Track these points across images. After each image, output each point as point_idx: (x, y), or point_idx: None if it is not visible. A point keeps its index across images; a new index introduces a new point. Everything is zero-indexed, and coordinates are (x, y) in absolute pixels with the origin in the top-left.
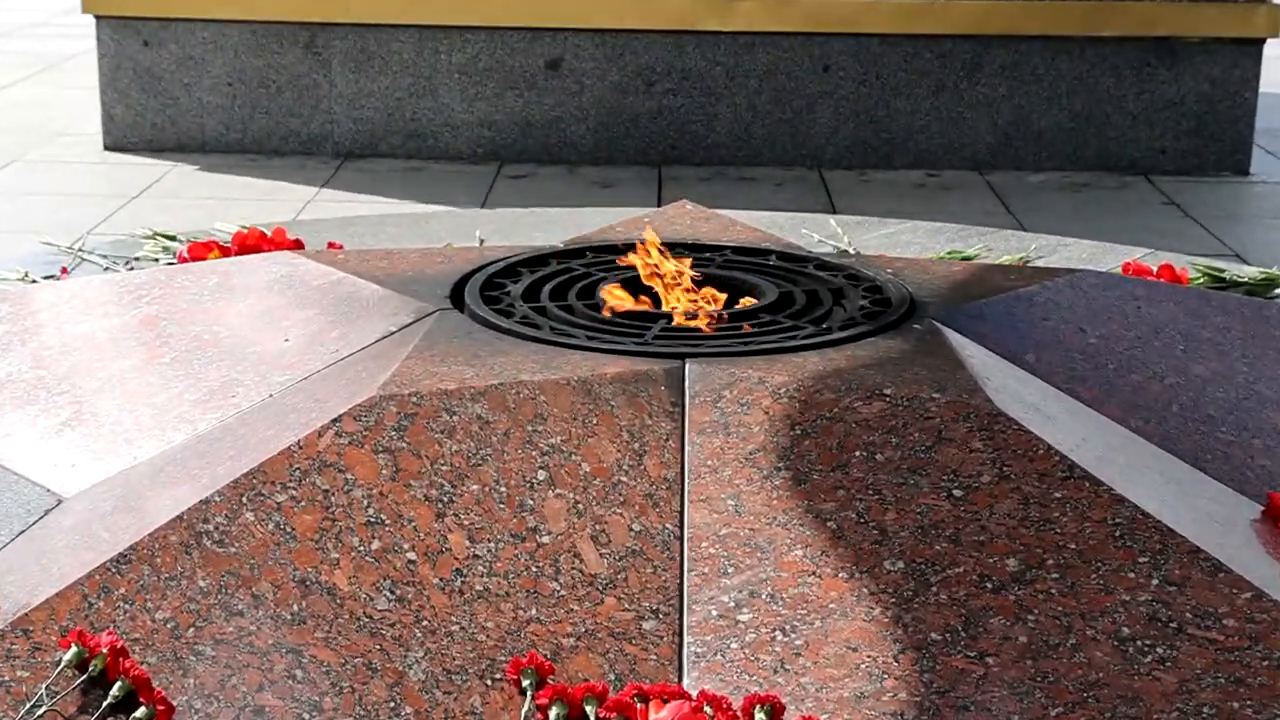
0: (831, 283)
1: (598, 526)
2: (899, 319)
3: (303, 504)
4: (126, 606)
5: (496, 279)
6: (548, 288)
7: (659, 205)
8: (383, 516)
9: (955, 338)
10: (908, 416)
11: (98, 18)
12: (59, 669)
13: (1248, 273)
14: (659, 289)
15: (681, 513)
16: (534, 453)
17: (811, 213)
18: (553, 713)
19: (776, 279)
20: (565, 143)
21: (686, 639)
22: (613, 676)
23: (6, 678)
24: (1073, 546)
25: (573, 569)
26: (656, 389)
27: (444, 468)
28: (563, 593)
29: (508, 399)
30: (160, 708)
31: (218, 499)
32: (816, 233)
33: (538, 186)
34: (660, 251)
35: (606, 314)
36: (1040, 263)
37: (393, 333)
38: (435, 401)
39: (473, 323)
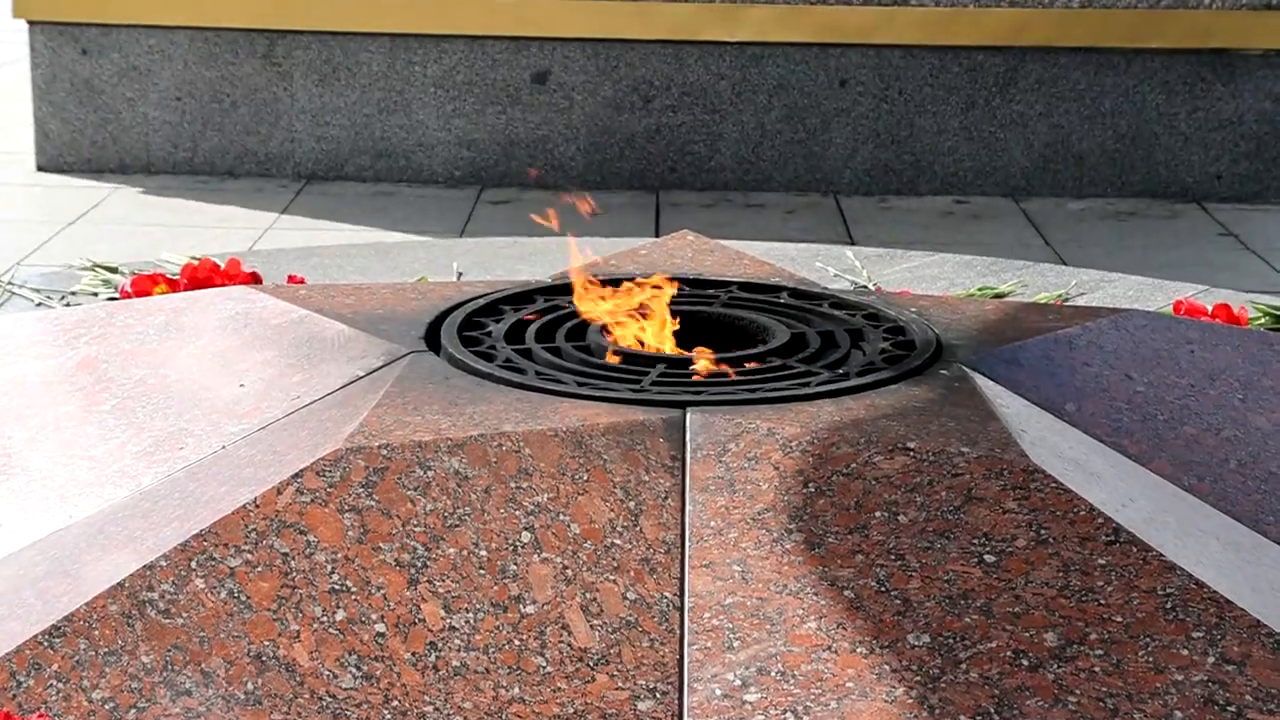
0: (849, 323)
1: (588, 595)
2: (924, 364)
3: (259, 569)
4: (60, 685)
5: (476, 318)
6: (533, 328)
7: (657, 235)
8: (348, 583)
9: (987, 385)
10: (934, 473)
11: (30, 23)
12: None
13: None
14: (643, 331)
15: (682, 580)
16: (518, 512)
17: (827, 244)
18: None
19: (788, 319)
20: (553, 165)
21: None
22: None
23: None
24: (1118, 619)
25: (560, 642)
26: (654, 441)
27: (417, 529)
28: (549, 669)
29: (489, 452)
30: None
31: (163, 564)
32: (832, 266)
33: (522, 213)
34: (650, 288)
35: (611, 354)
36: (1081, 301)
37: (360, 378)
38: (408, 455)
39: (450, 367)
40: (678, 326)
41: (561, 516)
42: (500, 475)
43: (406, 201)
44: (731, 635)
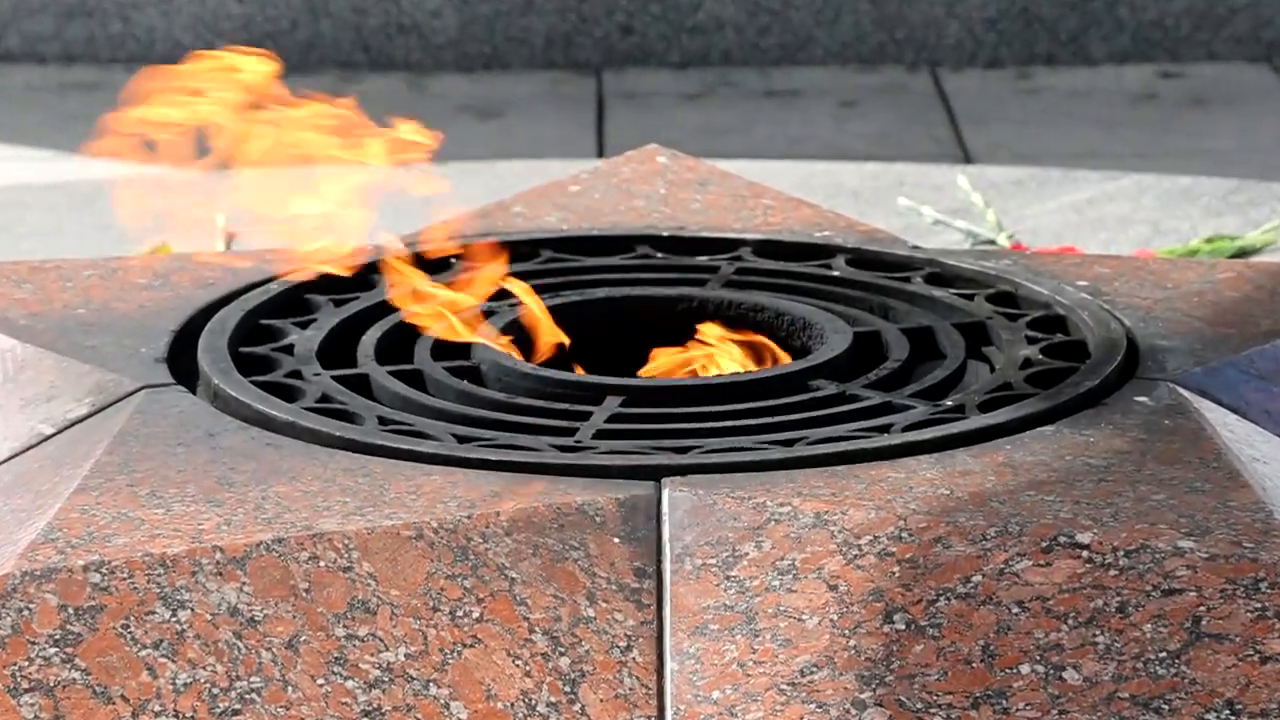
0: (963, 311)
1: None
2: (1104, 384)
3: None
4: None
5: (265, 319)
6: (372, 335)
7: (600, 153)
8: None
9: (1222, 422)
10: (1129, 590)
11: None
12: None
13: None
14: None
15: None
16: (351, 684)
17: (919, 161)
18: None
19: (847, 307)
20: (403, 27)
21: None
22: None
23: None
24: None
25: None
26: (603, 542)
27: (162, 715)
28: None
29: (294, 570)
30: None
31: None
32: (930, 204)
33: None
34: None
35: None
36: None
37: (47, 437)
38: (141, 580)
39: (217, 413)
40: (641, 326)
41: (431, 689)
42: (316, 615)
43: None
44: None
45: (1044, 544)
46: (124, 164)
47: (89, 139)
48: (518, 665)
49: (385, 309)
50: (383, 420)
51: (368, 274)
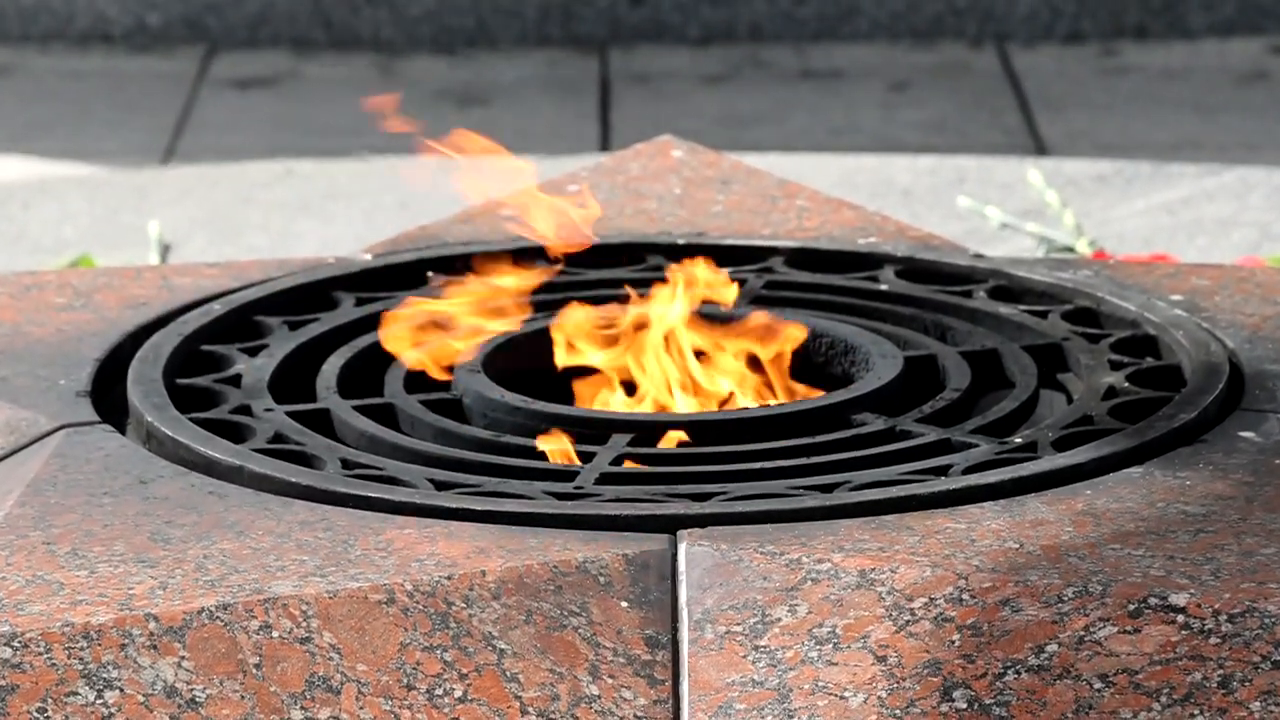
0: (1034, 332)
1: None
2: (1202, 416)
3: None
4: None
5: (207, 345)
6: (335, 363)
7: (605, 146)
8: None
9: None
10: (1233, 661)
11: None
12: None
13: None
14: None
15: None
16: None
17: (982, 153)
18: None
19: (896, 325)
20: (371, 0)
21: None
22: None
23: None
24: None
25: None
26: (608, 606)
27: None
28: None
29: (242, 643)
30: None
31: None
32: (995, 202)
33: (299, 103)
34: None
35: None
36: None
37: None
38: (60, 655)
39: (149, 455)
40: (659, 351)
41: None
42: (268, 695)
43: (41, 85)
44: None
45: (1131, 607)
46: (40, 162)
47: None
48: None
49: (345, 331)
50: (347, 463)
51: (328, 290)
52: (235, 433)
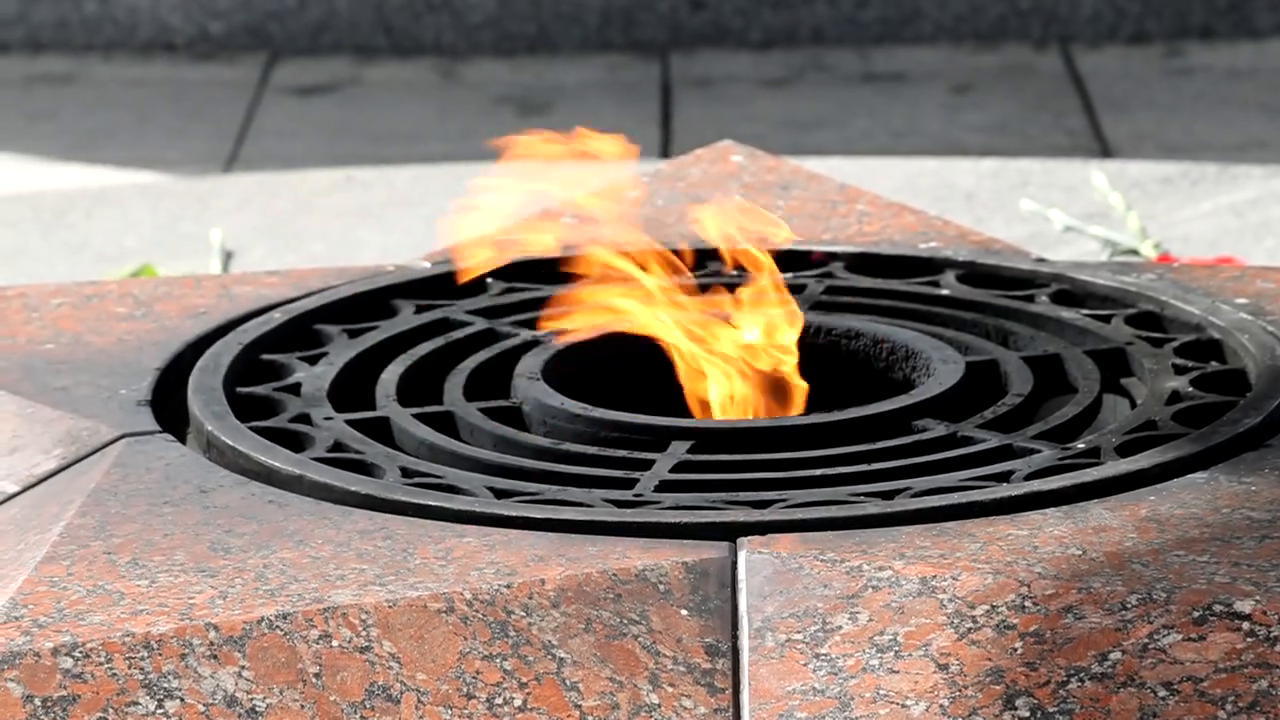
0: (1098, 337)
1: None
2: (1268, 420)
3: None
4: None
5: (267, 354)
6: (394, 371)
7: (666, 152)
8: None
9: None
10: None
11: None
12: None
13: None
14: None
15: None
16: None
17: (1046, 156)
18: None
19: (958, 330)
20: (432, 4)
21: None
22: None
23: None
24: None
25: None
26: (668, 614)
27: None
28: None
29: (301, 651)
30: None
31: None
32: (1059, 205)
33: (360, 110)
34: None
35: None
36: None
37: (10, 496)
38: (122, 665)
39: (209, 463)
40: (725, 357)
41: None
42: (328, 704)
43: (104, 94)
44: None
45: (1196, 614)
46: (102, 171)
47: (54, 142)
48: None
49: (405, 339)
50: (406, 472)
51: (388, 298)
52: (295, 441)
